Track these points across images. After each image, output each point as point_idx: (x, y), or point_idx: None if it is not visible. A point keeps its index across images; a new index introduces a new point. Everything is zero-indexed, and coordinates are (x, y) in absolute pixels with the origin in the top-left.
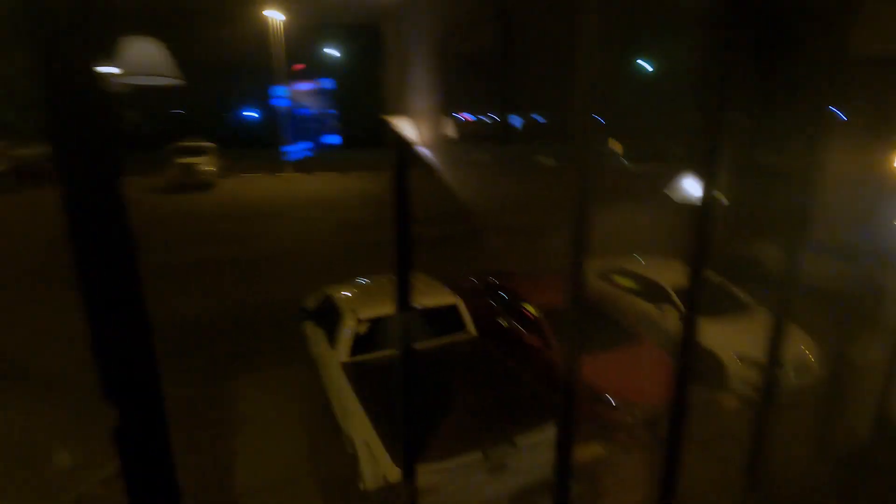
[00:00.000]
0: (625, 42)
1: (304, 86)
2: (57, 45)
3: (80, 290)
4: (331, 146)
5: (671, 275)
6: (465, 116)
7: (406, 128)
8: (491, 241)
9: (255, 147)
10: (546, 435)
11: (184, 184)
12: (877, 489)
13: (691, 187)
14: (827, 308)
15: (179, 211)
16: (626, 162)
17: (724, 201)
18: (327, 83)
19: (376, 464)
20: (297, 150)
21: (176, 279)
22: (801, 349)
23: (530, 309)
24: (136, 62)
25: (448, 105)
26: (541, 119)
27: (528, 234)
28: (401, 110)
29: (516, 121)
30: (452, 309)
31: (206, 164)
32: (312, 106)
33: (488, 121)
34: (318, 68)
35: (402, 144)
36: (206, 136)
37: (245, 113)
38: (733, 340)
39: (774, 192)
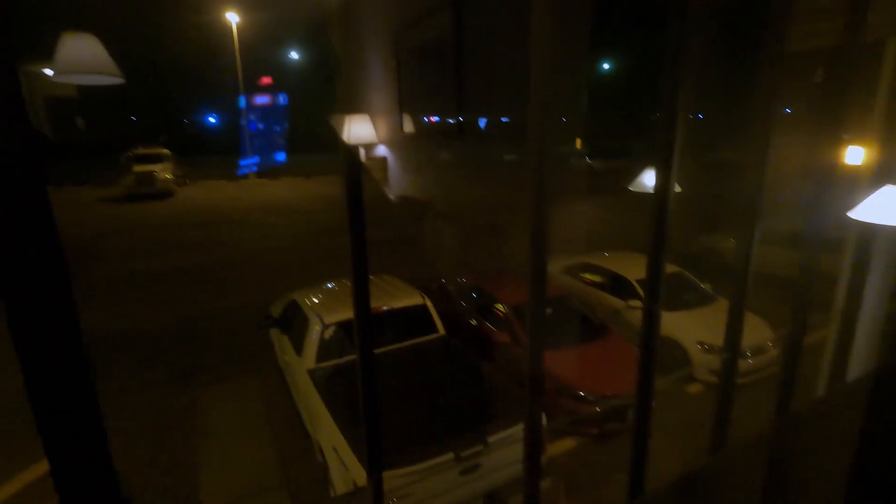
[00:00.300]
0: (585, 42)
1: (261, 99)
2: None
3: (6, 312)
4: (277, 162)
5: (635, 268)
6: (430, 117)
7: (363, 126)
8: (456, 241)
9: (216, 154)
10: (518, 432)
11: (141, 192)
12: (826, 444)
13: (651, 182)
14: (780, 294)
15: (137, 220)
16: (589, 160)
17: (679, 188)
18: (282, 98)
19: (346, 470)
20: (246, 164)
21: (136, 289)
22: (758, 333)
23: (499, 307)
24: (73, 60)
25: (407, 101)
26: (504, 118)
27: (494, 232)
28: (358, 108)
29: (481, 120)
30: (421, 309)
31: (163, 172)
32: (264, 121)
33: (452, 120)
34: (276, 77)
35: (348, 145)
36: (164, 142)
37: (204, 119)
38: (696, 329)
39: (729, 185)
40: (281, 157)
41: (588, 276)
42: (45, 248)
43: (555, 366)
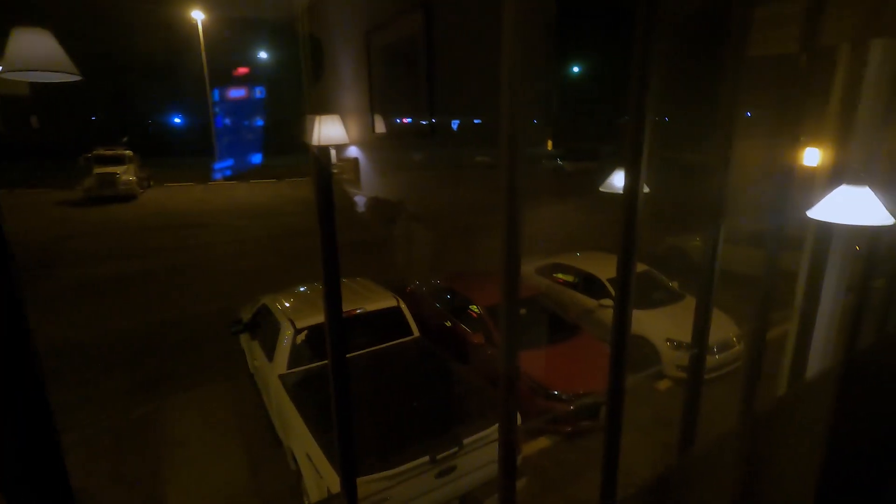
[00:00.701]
0: (555, 44)
1: (236, 93)
2: None
3: None
4: (252, 164)
5: (606, 268)
6: (402, 118)
7: (334, 126)
8: (429, 242)
9: (183, 155)
10: (494, 433)
11: (102, 195)
12: (792, 439)
13: (621, 183)
14: (743, 291)
15: (97, 224)
16: (560, 162)
17: (647, 189)
18: (259, 91)
19: (320, 477)
20: (220, 167)
21: (96, 296)
22: (724, 330)
23: (473, 308)
24: (24, 56)
25: (379, 101)
26: (477, 120)
27: (468, 232)
28: (329, 108)
29: (453, 122)
30: (395, 311)
31: (126, 174)
32: (237, 118)
33: (423, 121)
34: (246, 78)
35: (318, 146)
36: (127, 143)
37: (170, 119)
38: (664, 327)
39: (694, 186)
40: (257, 158)
41: (560, 275)
42: None
43: (528, 365)
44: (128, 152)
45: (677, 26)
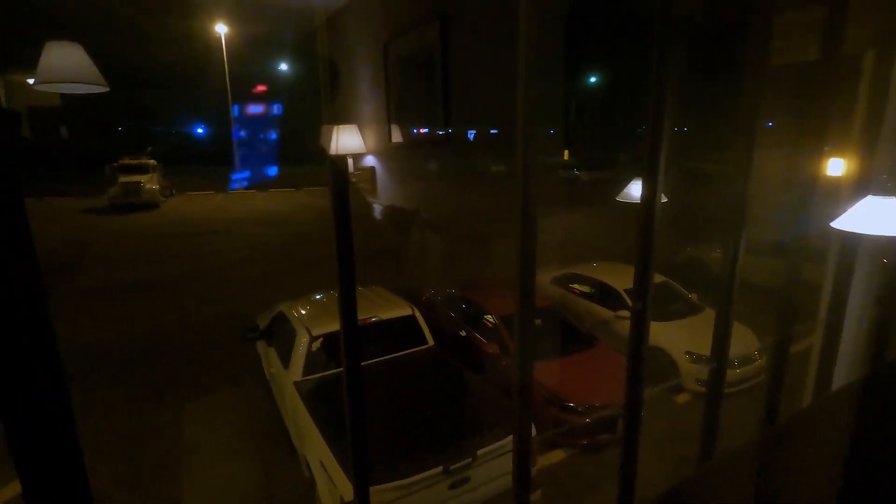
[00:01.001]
0: (574, 54)
1: (253, 109)
2: None
3: None
4: (268, 177)
5: (623, 278)
6: (419, 128)
7: (351, 136)
8: (444, 250)
9: (204, 164)
10: (508, 444)
11: (126, 203)
12: (813, 453)
13: (638, 193)
14: (765, 303)
15: (120, 231)
16: (577, 171)
17: (665, 198)
18: (276, 108)
19: (333, 485)
20: (237, 178)
21: (115, 301)
22: (744, 343)
23: (488, 317)
24: (56, 69)
25: (395, 112)
26: (493, 130)
27: (483, 242)
28: (346, 118)
29: (469, 132)
30: (409, 320)
31: (150, 183)
32: (255, 132)
33: (440, 131)
34: (267, 89)
35: (336, 155)
36: (151, 153)
37: (192, 129)
38: (683, 339)
39: (714, 196)
40: (273, 171)
41: (576, 286)
42: (20, 261)
43: (544, 376)
44: (151, 162)
45: (696, 34)
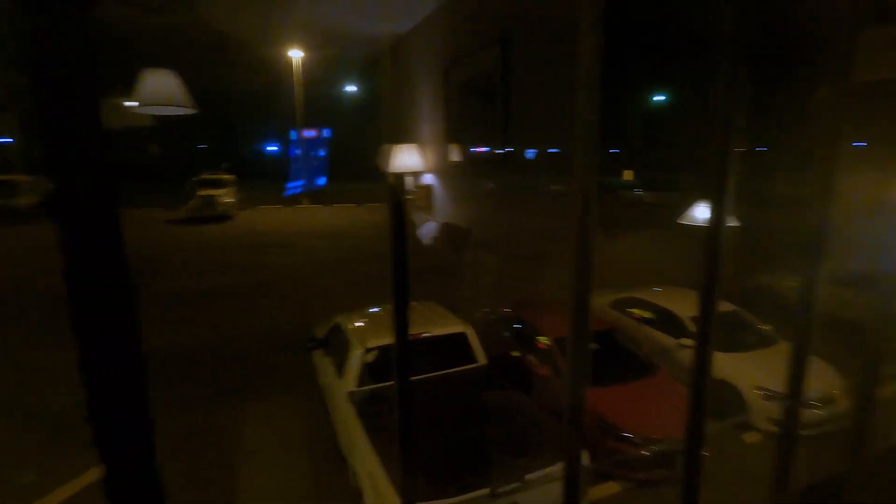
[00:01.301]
0: (637, 72)
1: (309, 133)
2: (61, 80)
3: (74, 329)
4: (318, 186)
5: (687, 305)
6: (476, 147)
7: (410, 155)
8: (499, 269)
9: (274, 179)
10: (558, 471)
11: (203, 215)
12: None
13: (703, 215)
14: (848, 338)
15: (194, 241)
16: (638, 192)
17: (736, 223)
18: (326, 132)
19: (380, 498)
20: (292, 186)
21: (184, 307)
22: (825, 381)
23: (542, 339)
24: (152, 93)
25: (454, 132)
26: (553, 150)
27: (539, 261)
28: (406, 138)
29: (528, 151)
30: (462, 337)
31: (225, 196)
32: (310, 150)
33: (498, 150)
34: (333, 109)
35: (394, 173)
36: (227, 168)
37: (264, 147)
38: (753, 373)
39: (790, 220)
40: (322, 181)
41: (636, 311)
42: (113, 264)
43: (599, 403)
44: (227, 177)
45: (770, 48)
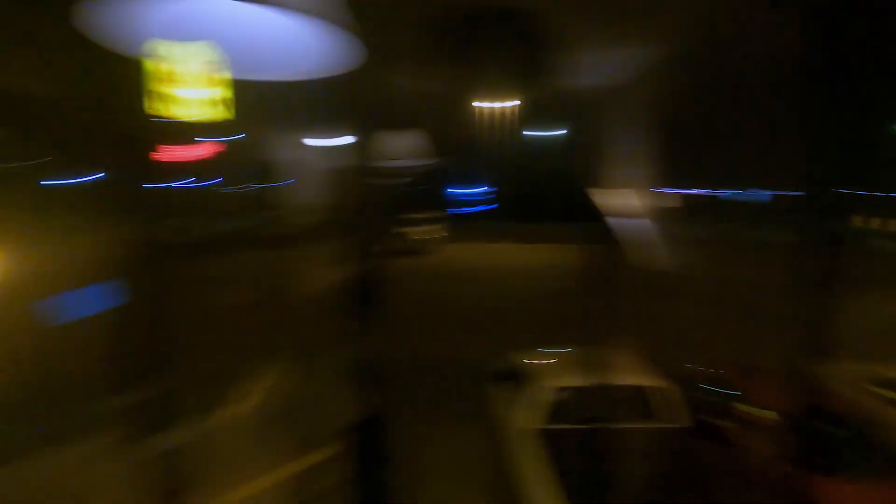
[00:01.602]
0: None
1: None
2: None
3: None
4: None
5: None
6: (693, 191)
7: (625, 199)
8: (714, 323)
9: (478, 218)
10: None
11: (414, 249)
12: None
13: None
14: None
15: (403, 272)
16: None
17: None
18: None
19: None
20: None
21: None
22: None
23: (753, 410)
24: (400, 149)
25: (670, 176)
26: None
27: (760, 319)
28: (618, 182)
29: (755, 194)
30: (657, 392)
31: (435, 232)
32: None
33: (717, 194)
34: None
35: (605, 215)
36: (440, 208)
37: (473, 189)
38: None
39: None
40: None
41: (886, 391)
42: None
43: (838, 501)
44: (431, 214)
45: None
